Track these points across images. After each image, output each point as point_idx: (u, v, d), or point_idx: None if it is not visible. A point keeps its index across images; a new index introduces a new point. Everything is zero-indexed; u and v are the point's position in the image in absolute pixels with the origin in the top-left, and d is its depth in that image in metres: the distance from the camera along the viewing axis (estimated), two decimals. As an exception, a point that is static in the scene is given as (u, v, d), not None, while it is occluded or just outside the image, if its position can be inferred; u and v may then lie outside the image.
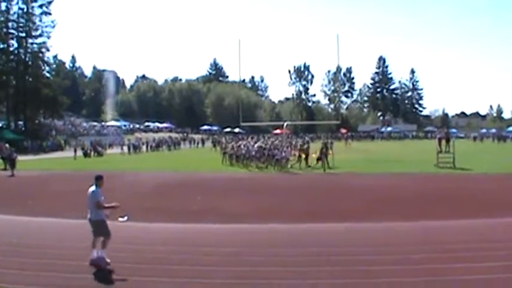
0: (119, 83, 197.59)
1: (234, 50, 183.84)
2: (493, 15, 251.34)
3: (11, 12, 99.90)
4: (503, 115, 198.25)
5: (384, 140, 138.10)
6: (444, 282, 12.41)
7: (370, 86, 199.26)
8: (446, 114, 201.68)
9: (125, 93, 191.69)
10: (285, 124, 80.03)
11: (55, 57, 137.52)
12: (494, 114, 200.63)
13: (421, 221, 20.46)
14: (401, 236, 17.91)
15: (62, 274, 13.20)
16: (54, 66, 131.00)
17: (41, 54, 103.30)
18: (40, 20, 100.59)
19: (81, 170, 48.93)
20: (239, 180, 39.36)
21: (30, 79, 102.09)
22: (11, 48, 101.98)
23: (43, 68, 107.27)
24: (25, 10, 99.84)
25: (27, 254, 15.25)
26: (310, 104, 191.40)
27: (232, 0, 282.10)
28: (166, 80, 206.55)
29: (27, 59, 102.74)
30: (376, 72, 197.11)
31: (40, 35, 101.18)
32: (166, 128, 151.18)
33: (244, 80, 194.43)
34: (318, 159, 46.63)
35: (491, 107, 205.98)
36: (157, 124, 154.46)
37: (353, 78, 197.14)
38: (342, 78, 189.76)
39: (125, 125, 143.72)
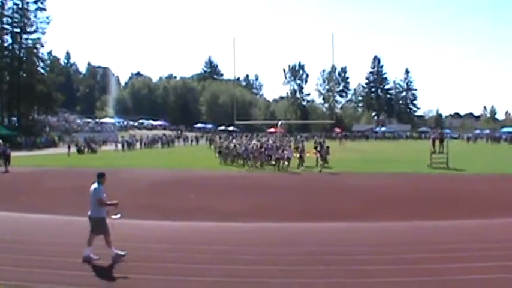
0: (114, 80, 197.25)
1: (229, 48, 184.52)
2: (488, 16, 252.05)
3: (6, 7, 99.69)
4: (496, 116, 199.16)
5: (378, 140, 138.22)
6: (439, 282, 12.42)
7: (364, 85, 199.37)
8: (440, 115, 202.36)
9: (120, 90, 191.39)
10: (279, 123, 79.95)
11: (49, 53, 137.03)
12: (488, 115, 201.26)
13: (415, 221, 20.48)
14: (395, 235, 17.92)
15: (56, 271, 13.20)
16: (49, 62, 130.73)
17: (35, 50, 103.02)
18: (35, 16, 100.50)
19: (74, 167, 48.97)
20: (233, 178, 39.35)
21: (25, 75, 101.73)
22: (5, 44, 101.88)
23: (37, 64, 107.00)
24: (20, 6, 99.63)
25: (21, 251, 15.21)
26: (304, 103, 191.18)
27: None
28: (161, 78, 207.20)
29: (21, 54, 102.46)
30: (371, 72, 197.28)
31: (35, 31, 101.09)
32: (160, 125, 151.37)
33: (239, 79, 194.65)
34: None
35: (485, 107, 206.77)
36: (151, 121, 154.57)
37: (347, 77, 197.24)
38: (336, 78, 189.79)
39: (119, 122, 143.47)
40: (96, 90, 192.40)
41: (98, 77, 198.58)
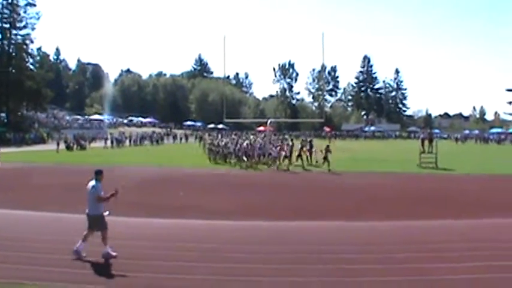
0: (106, 76, 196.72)
1: (219, 46, 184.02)
2: (478, 17, 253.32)
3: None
4: (486, 117, 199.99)
5: (367, 140, 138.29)
6: (428, 282, 12.46)
7: (354, 85, 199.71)
8: (430, 115, 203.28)
9: (110, 87, 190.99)
10: (269, 121, 79.87)
11: (39, 49, 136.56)
12: (477, 116, 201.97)
13: (404, 221, 20.56)
14: (384, 235, 17.94)
15: (43, 267, 13.14)
16: (38, 58, 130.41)
17: (25, 46, 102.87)
18: (24, 12, 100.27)
19: (63, 163, 48.85)
20: (222, 176, 39.32)
21: (14, 71, 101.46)
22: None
23: (27, 60, 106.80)
24: (9, 1, 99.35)
25: (7, 247, 15.12)
26: (294, 101, 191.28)
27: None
28: (150, 75, 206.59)
29: (10, 50, 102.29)
30: (361, 72, 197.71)
31: (24, 27, 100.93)
32: (150, 122, 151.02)
33: (228, 77, 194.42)
34: (298, 156, 46.66)
35: (474, 108, 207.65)
36: (140, 119, 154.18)
37: (337, 76, 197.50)
38: (326, 77, 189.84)
39: (108, 119, 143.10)
40: (86, 87, 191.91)
41: (88, 73, 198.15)
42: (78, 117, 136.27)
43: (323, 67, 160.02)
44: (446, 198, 27.55)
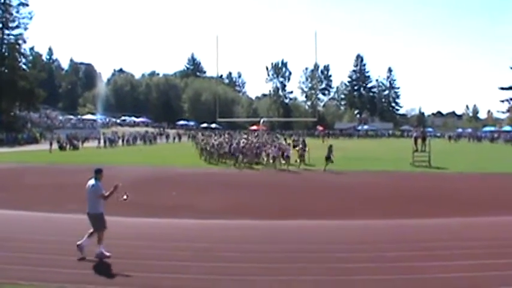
0: (96, 76, 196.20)
1: (212, 46, 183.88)
2: (471, 16, 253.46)
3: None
4: (479, 115, 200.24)
5: (360, 138, 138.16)
6: (420, 280, 12.52)
7: (347, 83, 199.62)
8: (423, 114, 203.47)
9: (103, 87, 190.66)
10: (262, 120, 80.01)
11: (32, 49, 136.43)
12: (470, 114, 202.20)
13: (397, 219, 20.63)
14: (377, 233, 18.00)
15: (38, 268, 13.18)
16: (31, 58, 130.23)
17: (17, 46, 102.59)
18: (17, 11, 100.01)
19: (56, 163, 48.77)
20: (215, 176, 39.38)
21: (6, 71, 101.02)
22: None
23: (19, 59, 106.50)
24: (2, 1, 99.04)
25: (1, 248, 15.13)
26: (287, 100, 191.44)
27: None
28: (143, 74, 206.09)
29: (3, 50, 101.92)
30: (354, 70, 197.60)
31: (17, 27, 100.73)
32: (142, 122, 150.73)
33: (221, 76, 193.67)
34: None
35: (467, 106, 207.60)
36: (133, 118, 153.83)
37: (330, 75, 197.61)
38: (319, 76, 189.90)
39: (101, 119, 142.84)
40: (79, 87, 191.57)
41: (81, 73, 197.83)
42: (71, 117, 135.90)
43: (316, 66, 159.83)
44: (439, 196, 27.64)
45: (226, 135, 70.46)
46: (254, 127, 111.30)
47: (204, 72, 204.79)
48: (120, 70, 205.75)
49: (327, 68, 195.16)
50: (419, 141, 48.76)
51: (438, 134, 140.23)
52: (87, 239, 14.29)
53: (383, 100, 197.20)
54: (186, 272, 13.05)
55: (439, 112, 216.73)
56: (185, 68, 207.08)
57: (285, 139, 63.59)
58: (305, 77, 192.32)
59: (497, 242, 16.25)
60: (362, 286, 12.33)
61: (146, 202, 24.80)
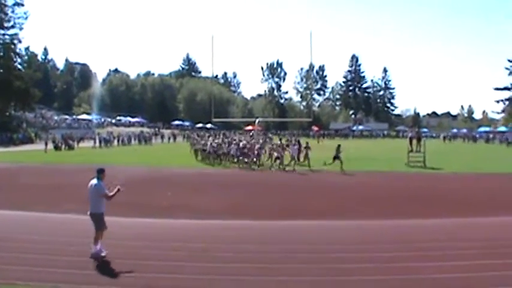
0: (92, 76, 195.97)
1: (207, 46, 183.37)
2: (466, 16, 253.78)
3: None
4: (474, 115, 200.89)
5: (355, 139, 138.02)
6: (415, 281, 12.58)
7: (342, 84, 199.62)
8: (418, 114, 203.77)
9: (98, 87, 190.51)
10: (257, 121, 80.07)
11: (27, 49, 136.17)
12: (465, 115, 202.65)
13: (392, 220, 20.67)
14: (372, 234, 18.03)
15: (34, 268, 13.20)
16: (26, 58, 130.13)
17: (13, 46, 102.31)
18: (12, 11, 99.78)
19: (51, 163, 48.70)
20: (211, 176, 39.33)
21: (2, 71, 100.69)
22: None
23: (15, 59, 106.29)
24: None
25: (-3, 248, 15.17)
26: (282, 101, 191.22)
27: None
28: (138, 75, 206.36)
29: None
30: (349, 71, 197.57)
31: (12, 26, 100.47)
32: (138, 122, 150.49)
33: (216, 76, 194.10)
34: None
35: (462, 107, 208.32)
36: (129, 118, 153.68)
37: (325, 76, 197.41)
38: (314, 76, 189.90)
39: (96, 119, 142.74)
40: (74, 87, 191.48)
41: (76, 73, 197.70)
42: (66, 117, 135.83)
43: (311, 66, 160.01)
44: (434, 197, 27.65)
45: (221, 136, 70.33)
46: (249, 127, 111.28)
47: (199, 72, 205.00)
48: (116, 70, 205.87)
49: (322, 68, 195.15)
50: (415, 141, 48.75)
51: (433, 135, 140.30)
52: (97, 245, 14.38)
53: (378, 100, 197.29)
54: (182, 272, 13.10)
55: (434, 112, 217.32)
56: (180, 68, 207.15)
57: (280, 139, 63.38)
58: (300, 77, 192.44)
59: (492, 243, 16.29)
60: (358, 286, 12.38)
61: (141, 202, 24.80)
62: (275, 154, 45.23)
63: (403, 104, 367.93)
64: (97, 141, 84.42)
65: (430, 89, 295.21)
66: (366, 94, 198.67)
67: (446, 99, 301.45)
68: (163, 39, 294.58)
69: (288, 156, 45.01)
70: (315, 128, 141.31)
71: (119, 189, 14.59)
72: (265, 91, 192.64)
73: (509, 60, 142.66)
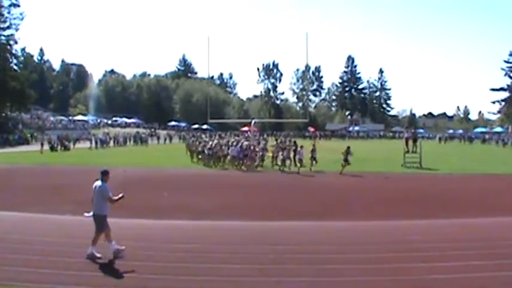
0: (88, 77, 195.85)
1: (203, 47, 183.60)
2: (462, 17, 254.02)
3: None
4: (470, 116, 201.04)
5: (351, 139, 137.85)
6: (410, 282, 12.64)
7: (338, 85, 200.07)
8: (414, 115, 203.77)
9: (94, 88, 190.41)
10: (253, 121, 79.97)
11: (23, 49, 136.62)
12: (461, 115, 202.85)
13: (387, 220, 20.71)
14: (367, 235, 18.07)
15: (31, 269, 13.22)
16: (22, 59, 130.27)
17: (8, 47, 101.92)
18: (8, 12, 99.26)
19: (47, 164, 48.65)
20: (207, 177, 39.32)
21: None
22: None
23: (11, 60, 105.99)
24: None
25: (-7, 249, 15.16)
26: (278, 102, 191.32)
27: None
28: (134, 75, 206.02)
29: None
30: (345, 72, 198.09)
31: (8, 27, 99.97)
32: (134, 123, 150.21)
33: (212, 77, 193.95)
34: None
35: (458, 108, 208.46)
36: (125, 119, 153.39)
37: (322, 77, 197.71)
38: (310, 77, 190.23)
39: (92, 120, 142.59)
40: (70, 88, 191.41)
41: (72, 74, 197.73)
42: (62, 118, 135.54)
43: (307, 67, 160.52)
44: (429, 198, 27.71)
45: (217, 137, 70.17)
46: (245, 128, 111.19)
47: (195, 73, 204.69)
48: (112, 71, 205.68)
49: (318, 69, 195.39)
50: (411, 142, 48.78)
51: (429, 135, 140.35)
52: (111, 244, 14.55)
53: (374, 101, 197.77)
54: (178, 273, 13.13)
55: (430, 113, 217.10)
56: (176, 69, 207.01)
57: (276, 140, 63.37)
58: (296, 78, 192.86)
59: (487, 243, 16.36)
60: (352, 287, 12.43)
61: (137, 203, 24.80)
62: (281, 155, 45.01)
63: (399, 104, 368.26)
64: (93, 142, 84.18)
65: (426, 90, 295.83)
66: (362, 95, 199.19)
67: (442, 100, 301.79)
68: (159, 40, 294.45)
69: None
70: (311, 129, 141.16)
71: (123, 196, 14.65)
72: (261, 92, 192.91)
73: (505, 61, 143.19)
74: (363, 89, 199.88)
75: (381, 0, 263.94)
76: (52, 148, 73.07)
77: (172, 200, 25.96)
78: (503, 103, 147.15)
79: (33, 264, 13.53)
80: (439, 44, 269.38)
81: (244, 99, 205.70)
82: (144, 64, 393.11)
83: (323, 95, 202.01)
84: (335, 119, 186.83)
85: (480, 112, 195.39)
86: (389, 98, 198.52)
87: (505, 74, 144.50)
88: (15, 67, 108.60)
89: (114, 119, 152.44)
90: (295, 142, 51.24)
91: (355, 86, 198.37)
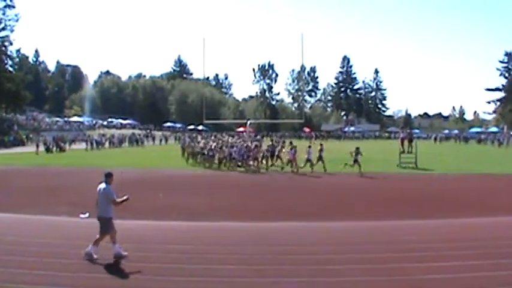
0: (83, 78, 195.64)
1: (198, 48, 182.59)
2: (457, 17, 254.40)
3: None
4: (465, 116, 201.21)
5: (347, 140, 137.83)
6: (407, 282, 12.63)
7: (334, 85, 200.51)
8: (409, 115, 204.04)
9: (89, 89, 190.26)
10: (248, 122, 79.98)
11: (18, 51, 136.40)
12: (457, 116, 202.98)
13: (384, 221, 20.68)
14: (364, 235, 18.05)
15: (26, 270, 13.18)
16: (17, 60, 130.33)
17: (3, 48, 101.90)
18: (3, 13, 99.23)
19: (43, 166, 48.55)
20: (203, 178, 39.31)
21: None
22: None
23: (6, 61, 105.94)
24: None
25: (-12, 250, 15.11)
26: (274, 102, 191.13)
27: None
28: (130, 76, 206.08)
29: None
30: (340, 72, 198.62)
31: (3, 29, 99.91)
32: (129, 124, 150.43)
33: (208, 78, 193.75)
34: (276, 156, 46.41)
35: (453, 108, 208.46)
36: (120, 120, 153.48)
37: (317, 77, 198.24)
38: (305, 77, 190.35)
39: (88, 121, 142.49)
40: (65, 89, 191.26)
41: (67, 75, 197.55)
42: (58, 119, 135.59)
43: (302, 68, 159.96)
44: (425, 198, 27.71)
45: (213, 138, 70.04)
46: (241, 129, 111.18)
47: (191, 74, 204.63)
48: (107, 72, 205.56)
49: (313, 69, 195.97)
50: (406, 142, 48.77)
51: (425, 136, 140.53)
52: (115, 247, 14.54)
53: (369, 101, 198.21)
54: (174, 274, 13.10)
55: (425, 113, 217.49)
56: (172, 70, 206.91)
57: (272, 140, 63.32)
58: (292, 79, 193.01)
59: (483, 243, 16.36)
60: (349, 287, 12.43)
61: (132, 204, 24.72)
62: (287, 157, 44.81)
63: (395, 105, 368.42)
64: (88, 143, 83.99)
65: (421, 90, 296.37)
66: (358, 95, 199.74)
67: (437, 100, 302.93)
68: (154, 41, 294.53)
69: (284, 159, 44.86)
70: (307, 130, 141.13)
71: (127, 198, 14.87)
72: (256, 93, 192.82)
73: (500, 61, 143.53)
74: (359, 89, 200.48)
75: (376, 1, 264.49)
76: (47, 149, 72.88)
77: (168, 201, 25.94)
78: (498, 103, 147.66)
79: (29, 266, 13.48)
80: (435, 45, 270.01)
81: (240, 99, 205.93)
82: (140, 65, 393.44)
83: (318, 96, 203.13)
84: (330, 120, 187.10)
85: (475, 112, 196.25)
86: (384, 98, 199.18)
87: (500, 74, 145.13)
88: (10, 68, 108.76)
89: (109, 120, 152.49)
90: (291, 142, 50.99)
91: (351, 86, 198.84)
